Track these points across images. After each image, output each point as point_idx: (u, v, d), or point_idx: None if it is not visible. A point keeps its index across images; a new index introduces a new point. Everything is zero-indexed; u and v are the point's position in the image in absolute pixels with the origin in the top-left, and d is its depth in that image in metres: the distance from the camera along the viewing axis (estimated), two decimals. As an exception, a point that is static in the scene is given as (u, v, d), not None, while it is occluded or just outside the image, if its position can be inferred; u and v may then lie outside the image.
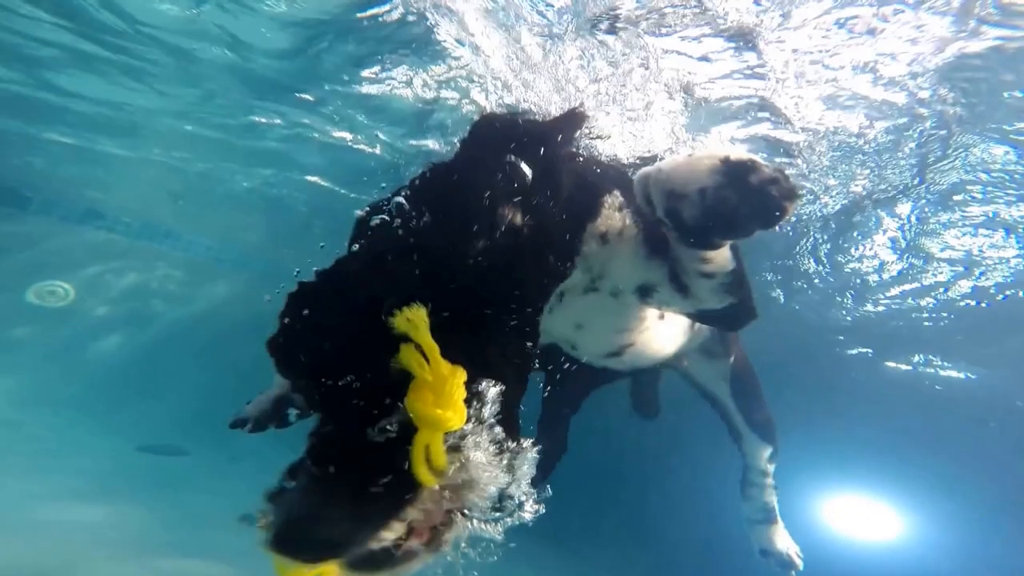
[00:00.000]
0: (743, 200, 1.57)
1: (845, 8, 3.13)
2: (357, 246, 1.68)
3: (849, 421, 16.05)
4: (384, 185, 8.44)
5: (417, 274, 1.52)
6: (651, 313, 2.47)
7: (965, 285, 7.41)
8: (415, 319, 1.36)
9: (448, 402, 1.34)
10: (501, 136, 1.83)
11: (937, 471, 16.50)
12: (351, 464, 1.36)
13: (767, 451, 3.73)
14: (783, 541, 3.79)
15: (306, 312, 1.46)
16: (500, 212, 1.67)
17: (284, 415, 2.64)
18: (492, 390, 1.49)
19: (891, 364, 12.15)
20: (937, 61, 3.48)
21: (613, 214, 2.10)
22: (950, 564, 16.51)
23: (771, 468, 3.79)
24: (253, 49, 5.26)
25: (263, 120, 7.13)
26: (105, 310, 17.00)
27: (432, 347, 1.36)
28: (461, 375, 1.39)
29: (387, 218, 1.68)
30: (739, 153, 1.64)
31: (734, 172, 1.58)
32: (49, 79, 7.04)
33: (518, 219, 1.70)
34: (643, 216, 2.08)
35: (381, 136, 6.67)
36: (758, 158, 1.64)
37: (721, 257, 1.95)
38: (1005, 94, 3.70)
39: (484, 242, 1.62)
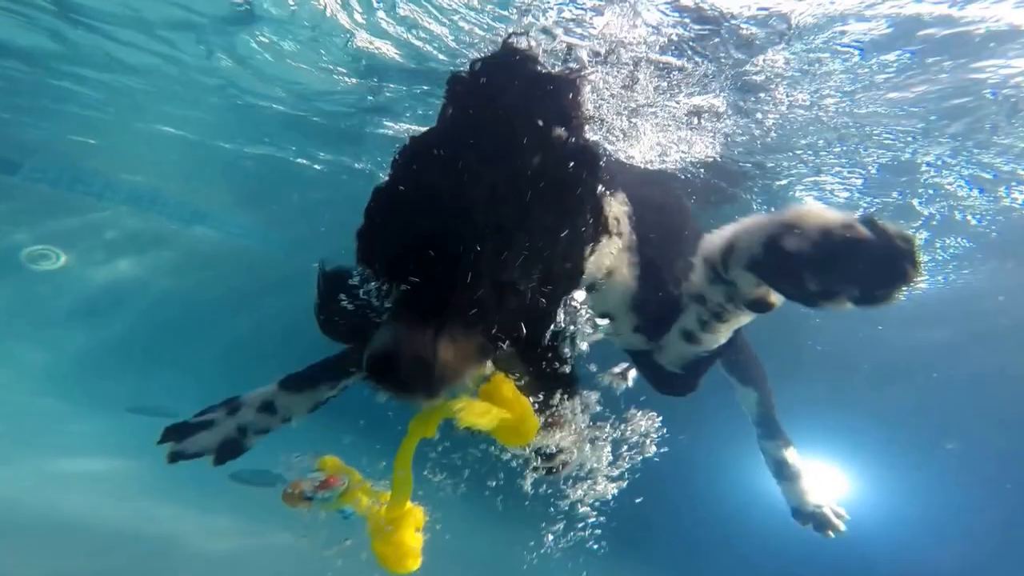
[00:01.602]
0: (874, 242, 1.38)
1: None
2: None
3: (796, 383, 16.26)
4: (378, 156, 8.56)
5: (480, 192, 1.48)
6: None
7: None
8: (476, 410, 1.47)
9: (529, 433, 1.61)
10: (525, 68, 1.68)
11: (881, 428, 16.61)
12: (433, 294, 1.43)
13: (751, 397, 3.60)
14: (815, 498, 3.44)
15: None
16: (550, 128, 1.60)
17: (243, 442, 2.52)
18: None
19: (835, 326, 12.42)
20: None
21: (617, 208, 2.01)
22: (900, 523, 16.89)
23: (766, 418, 3.63)
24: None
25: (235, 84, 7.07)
26: (97, 278, 17.07)
27: (503, 417, 1.52)
28: (526, 406, 1.60)
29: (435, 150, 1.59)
30: None
31: (868, 218, 1.44)
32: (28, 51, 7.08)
33: (563, 133, 1.63)
34: (638, 228, 2.05)
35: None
36: None
37: (725, 330, 1.89)
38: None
39: (539, 156, 1.55)
